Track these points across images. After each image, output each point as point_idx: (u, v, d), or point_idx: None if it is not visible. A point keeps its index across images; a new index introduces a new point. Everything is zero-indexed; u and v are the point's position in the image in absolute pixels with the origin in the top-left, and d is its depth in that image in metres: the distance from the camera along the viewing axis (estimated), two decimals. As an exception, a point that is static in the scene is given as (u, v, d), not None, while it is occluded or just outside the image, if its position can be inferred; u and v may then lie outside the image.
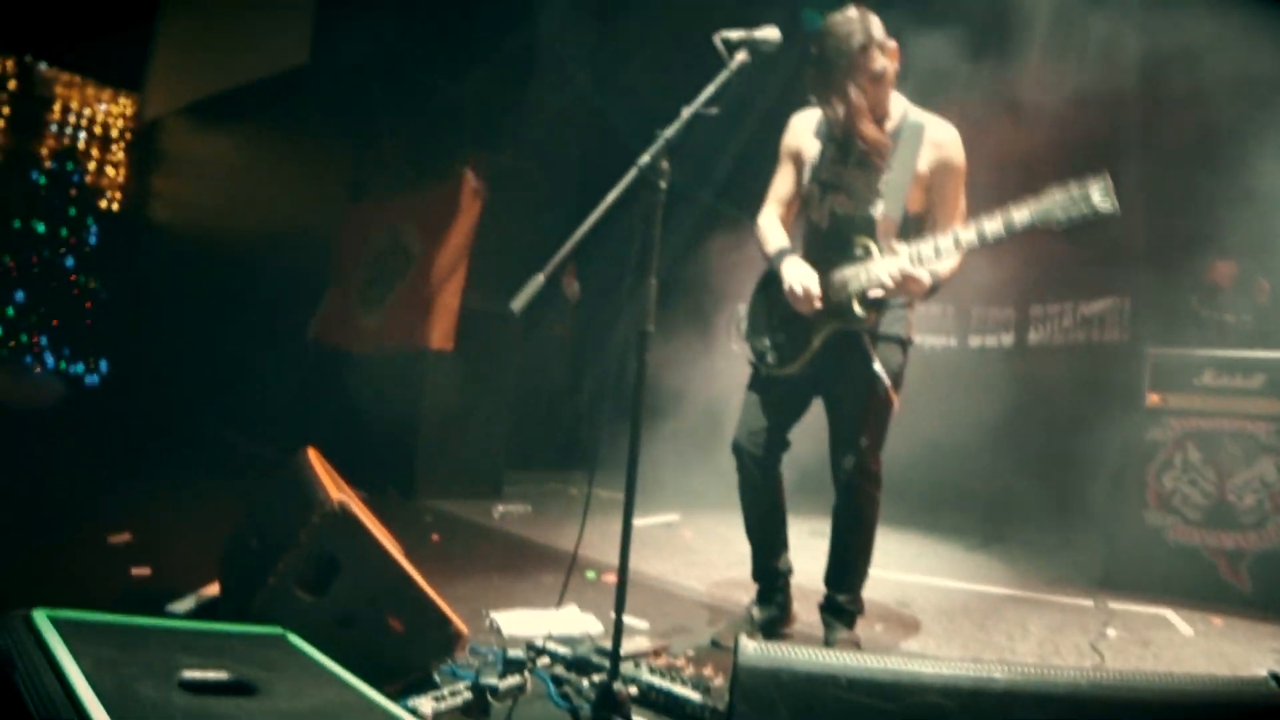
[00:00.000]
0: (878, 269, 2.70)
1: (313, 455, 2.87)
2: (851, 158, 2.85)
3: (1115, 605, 4.12)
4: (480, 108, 6.37)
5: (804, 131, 2.99)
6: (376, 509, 5.31)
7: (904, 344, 2.95)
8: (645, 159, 2.06)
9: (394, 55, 7.08)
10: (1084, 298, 6.24)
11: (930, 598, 4.09)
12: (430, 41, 6.92)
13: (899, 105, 2.87)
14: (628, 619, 3.11)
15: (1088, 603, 4.18)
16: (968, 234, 2.58)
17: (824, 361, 2.89)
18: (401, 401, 5.58)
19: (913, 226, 2.86)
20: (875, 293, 2.73)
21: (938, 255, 2.64)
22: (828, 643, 2.92)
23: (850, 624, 2.95)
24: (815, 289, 2.79)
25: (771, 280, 2.97)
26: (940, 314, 6.87)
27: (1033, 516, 5.74)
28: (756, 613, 3.11)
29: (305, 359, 6.76)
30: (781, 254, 2.92)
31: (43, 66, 11.87)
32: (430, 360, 5.50)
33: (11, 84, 11.54)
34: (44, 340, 10.89)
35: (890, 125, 2.83)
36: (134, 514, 4.11)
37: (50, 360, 10.92)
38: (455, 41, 6.69)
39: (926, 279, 2.67)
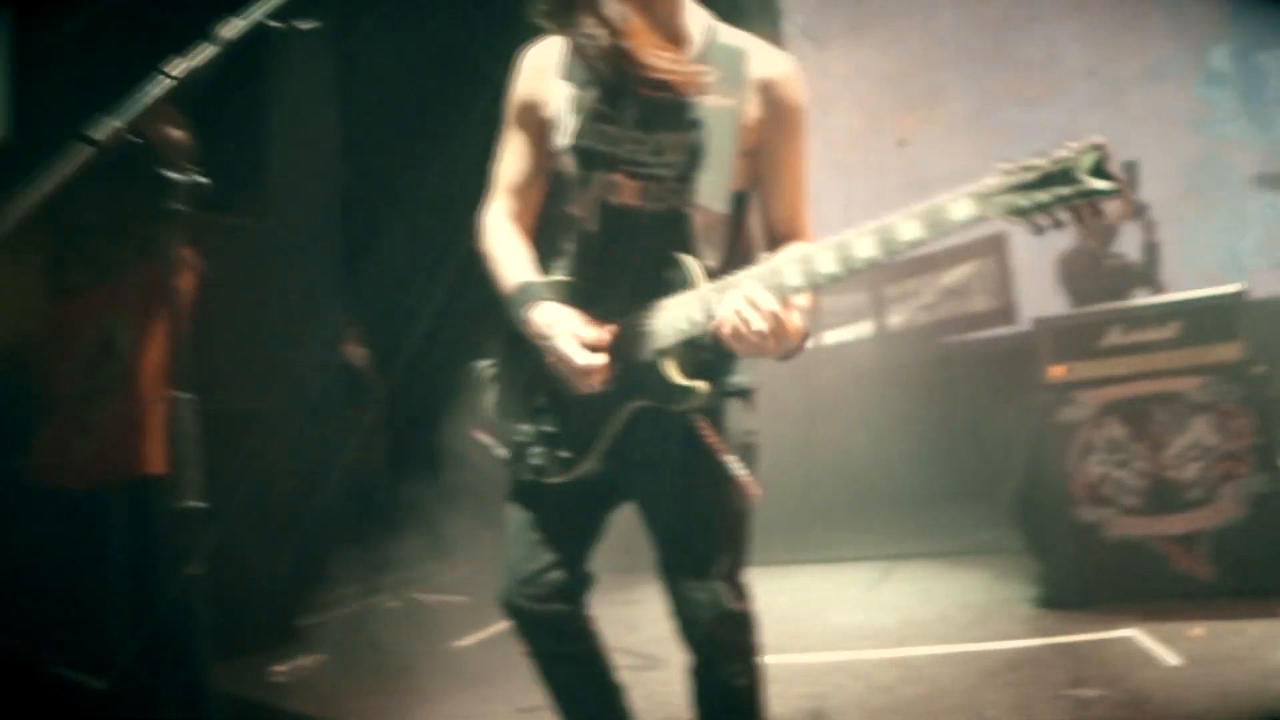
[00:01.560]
0: (722, 303, 1.55)
1: None
2: (629, 109, 1.69)
3: (1072, 638, 3.28)
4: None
5: (544, 73, 1.78)
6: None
7: (750, 395, 1.84)
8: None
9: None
10: (941, 265, 5.46)
11: (849, 686, 3.11)
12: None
13: (698, 19, 1.75)
14: None
15: (1036, 641, 3.34)
16: (825, 259, 1.48)
17: (628, 449, 1.73)
18: (129, 551, 4.21)
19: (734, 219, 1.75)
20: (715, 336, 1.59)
21: (784, 284, 1.51)
22: None
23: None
24: (598, 356, 1.65)
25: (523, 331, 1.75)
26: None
27: (937, 530, 4.89)
28: None
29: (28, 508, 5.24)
30: (528, 291, 1.73)
31: None
32: (154, 488, 4.13)
33: None
34: None
35: (693, 51, 1.70)
36: None
37: None
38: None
39: (799, 323, 1.56)
